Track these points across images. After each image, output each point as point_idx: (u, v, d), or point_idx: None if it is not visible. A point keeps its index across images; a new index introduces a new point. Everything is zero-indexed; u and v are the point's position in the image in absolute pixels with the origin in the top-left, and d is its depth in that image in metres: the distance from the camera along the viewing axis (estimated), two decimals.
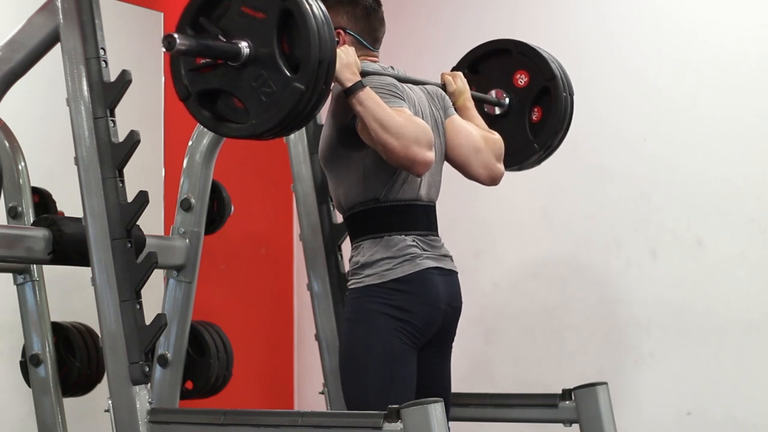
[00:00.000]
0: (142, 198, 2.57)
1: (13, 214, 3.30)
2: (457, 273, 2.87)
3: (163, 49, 2.32)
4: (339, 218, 3.44)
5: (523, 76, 3.29)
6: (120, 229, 2.58)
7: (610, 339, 4.33)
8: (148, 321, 2.56)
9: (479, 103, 3.18)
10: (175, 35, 2.29)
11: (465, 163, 2.91)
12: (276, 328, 4.99)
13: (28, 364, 3.30)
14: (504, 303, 4.53)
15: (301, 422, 2.41)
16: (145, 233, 2.84)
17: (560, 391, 3.13)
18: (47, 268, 3.28)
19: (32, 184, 3.37)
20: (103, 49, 2.64)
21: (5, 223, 3.30)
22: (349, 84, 2.61)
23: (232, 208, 3.58)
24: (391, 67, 2.88)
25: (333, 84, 2.52)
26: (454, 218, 4.72)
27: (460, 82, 3.04)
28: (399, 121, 2.60)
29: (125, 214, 2.58)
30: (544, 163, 4.53)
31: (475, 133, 2.92)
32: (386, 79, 2.75)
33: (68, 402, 3.35)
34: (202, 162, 3.35)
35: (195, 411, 2.72)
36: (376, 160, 2.71)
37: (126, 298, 2.56)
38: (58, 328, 3.35)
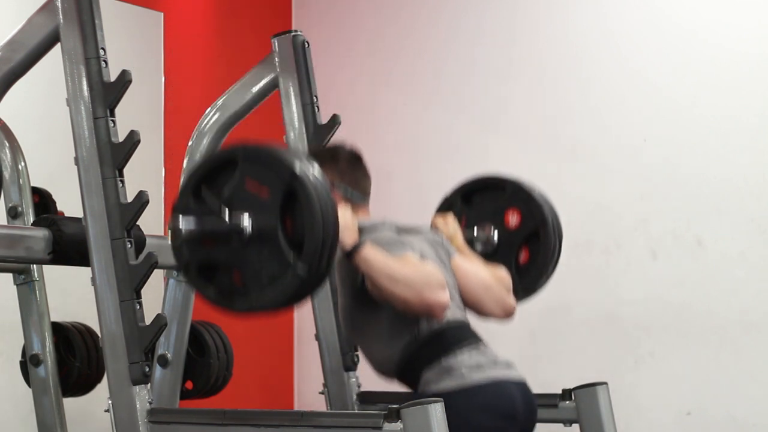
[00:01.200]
0: (142, 198, 2.57)
1: (13, 214, 3.30)
2: (526, 382, 2.79)
3: (169, 242, 2.32)
4: None
5: (514, 215, 3.29)
6: (120, 229, 2.57)
7: (610, 339, 4.33)
8: (148, 321, 2.56)
9: (469, 242, 3.20)
10: (181, 222, 2.29)
11: (478, 303, 2.91)
12: (276, 328, 4.99)
13: (28, 364, 3.29)
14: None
15: (301, 422, 2.41)
16: (145, 233, 2.84)
17: (560, 391, 3.13)
18: (47, 268, 3.28)
19: (32, 184, 3.37)
20: (103, 49, 2.64)
21: (5, 223, 3.29)
22: (350, 245, 2.61)
23: None
24: (386, 220, 2.87)
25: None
26: None
27: (452, 226, 3.07)
28: (406, 270, 2.59)
29: (125, 214, 2.57)
30: (544, 164, 4.55)
31: (482, 272, 2.93)
32: (384, 232, 2.76)
33: (68, 402, 3.34)
34: None
35: (195, 411, 2.72)
36: (396, 312, 2.68)
37: (126, 298, 2.55)
38: (58, 328, 3.35)
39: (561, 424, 3.15)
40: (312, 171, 2.33)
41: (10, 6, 3.73)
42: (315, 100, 3.38)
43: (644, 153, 4.31)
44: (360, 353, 2.99)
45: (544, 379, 4.35)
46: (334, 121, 3.37)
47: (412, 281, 2.58)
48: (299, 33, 3.40)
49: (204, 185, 2.40)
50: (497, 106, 4.73)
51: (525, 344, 4.48)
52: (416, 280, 2.58)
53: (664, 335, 4.23)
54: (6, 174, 3.28)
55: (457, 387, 2.64)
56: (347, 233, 2.61)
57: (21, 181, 3.32)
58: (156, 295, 3.38)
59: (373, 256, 2.61)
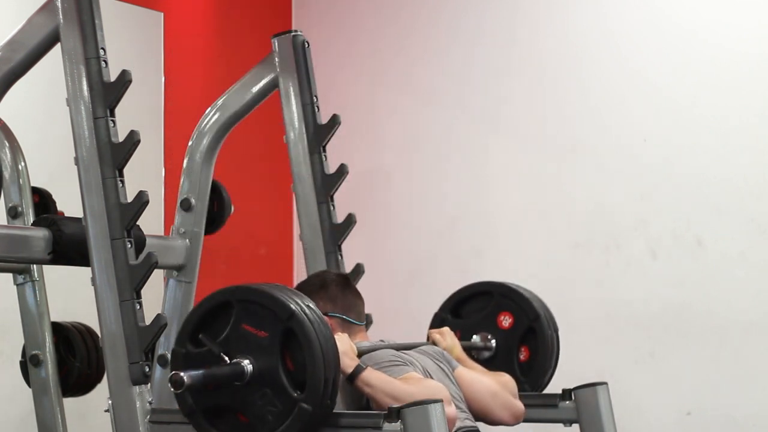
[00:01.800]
0: (142, 198, 2.57)
1: (13, 214, 3.29)
2: None
3: (171, 389, 2.31)
4: (339, 218, 3.44)
5: (507, 317, 3.32)
6: (120, 229, 2.57)
7: (610, 339, 4.33)
8: (148, 321, 2.55)
9: (468, 351, 3.21)
10: (182, 375, 2.28)
11: (486, 410, 2.93)
12: None
13: (28, 364, 3.29)
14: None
15: None
16: (145, 233, 2.84)
17: (560, 391, 3.13)
18: (47, 268, 3.28)
19: (32, 184, 3.37)
20: (103, 49, 2.64)
21: (5, 223, 3.29)
22: (350, 370, 2.61)
23: (232, 208, 3.57)
24: (382, 341, 2.89)
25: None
26: (455, 218, 4.73)
27: (449, 339, 3.09)
28: (410, 389, 2.60)
29: (125, 214, 2.57)
30: (544, 163, 4.55)
31: (486, 380, 2.96)
32: (384, 353, 2.77)
33: (68, 402, 3.34)
34: (202, 162, 3.35)
35: None
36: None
37: (126, 298, 2.55)
38: (58, 328, 3.35)
39: (561, 424, 3.15)
40: (307, 306, 2.34)
41: (10, 6, 3.73)
42: (315, 100, 3.39)
43: (644, 153, 4.31)
44: None
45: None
46: (334, 121, 3.37)
47: (417, 399, 2.58)
48: (299, 33, 3.40)
49: (201, 331, 2.39)
50: (497, 106, 4.73)
51: None
52: (421, 397, 2.58)
53: (664, 335, 4.23)
54: (6, 174, 3.28)
55: None
56: (346, 359, 2.62)
57: (21, 181, 3.32)
58: (156, 295, 3.38)
59: (374, 378, 2.62)
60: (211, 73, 4.82)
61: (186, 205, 3.33)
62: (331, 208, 3.53)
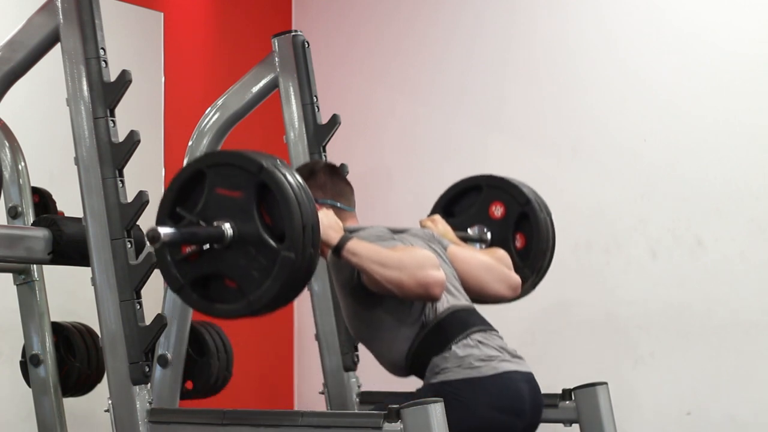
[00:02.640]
0: (142, 198, 2.57)
1: (13, 214, 3.29)
2: (533, 375, 2.79)
3: (147, 243, 2.32)
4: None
5: (498, 207, 3.31)
6: (120, 229, 2.58)
7: (610, 339, 4.33)
8: (148, 321, 2.56)
9: (464, 243, 3.20)
10: (158, 228, 2.29)
11: (482, 285, 2.91)
12: (276, 328, 4.99)
13: (28, 364, 3.29)
14: (504, 303, 4.52)
15: (301, 422, 2.41)
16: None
17: (560, 391, 3.13)
18: (47, 268, 3.28)
19: (32, 184, 3.37)
20: (103, 49, 2.64)
21: (5, 223, 3.29)
22: (335, 241, 2.61)
23: None
24: (373, 225, 2.88)
25: (328, 253, 2.56)
26: None
27: (440, 226, 3.06)
28: (396, 255, 2.60)
29: (125, 214, 2.58)
30: (543, 164, 4.55)
31: (479, 254, 2.94)
32: (373, 230, 2.77)
33: (68, 402, 3.34)
34: None
35: (195, 411, 2.72)
36: (398, 302, 2.69)
37: (126, 298, 2.56)
38: (58, 328, 3.35)
39: (561, 424, 3.15)
40: (278, 161, 2.35)
41: (10, 6, 3.73)
42: (315, 99, 3.39)
43: (644, 153, 4.31)
44: (364, 354, 2.98)
45: (544, 379, 4.36)
46: (334, 120, 3.37)
47: (404, 263, 2.58)
48: (299, 33, 3.41)
49: (178, 206, 2.41)
50: (497, 106, 4.73)
51: (525, 344, 4.47)
52: (408, 262, 2.59)
53: (664, 335, 4.23)
54: (6, 174, 3.28)
55: (466, 377, 2.64)
56: (331, 231, 2.62)
57: (21, 181, 3.32)
58: (156, 295, 3.38)
59: (361, 246, 2.61)
60: (211, 73, 4.82)
61: None
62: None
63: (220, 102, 3.42)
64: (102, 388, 2.83)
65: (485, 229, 3.32)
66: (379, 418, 2.31)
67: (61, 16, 2.67)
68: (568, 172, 4.47)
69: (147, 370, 2.56)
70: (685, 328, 4.19)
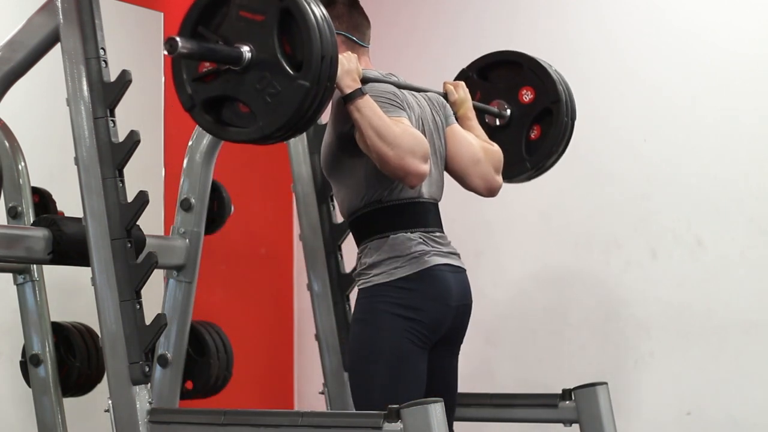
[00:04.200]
0: (142, 198, 2.57)
1: (13, 214, 3.30)
2: (465, 270, 2.85)
3: (165, 52, 2.31)
4: (339, 218, 3.44)
5: (528, 92, 3.29)
6: (120, 229, 2.58)
7: (610, 339, 4.33)
8: (148, 321, 2.56)
9: (480, 113, 3.17)
10: (177, 38, 2.28)
11: (463, 174, 2.91)
12: (276, 328, 4.99)
13: (28, 364, 3.30)
14: (504, 303, 4.53)
15: (301, 422, 2.41)
16: (145, 233, 2.84)
17: (560, 391, 3.13)
18: (47, 268, 3.28)
19: (32, 184, 3.37)
20: (103, 49, 2.65)
21: (5, 223, 3.30)
22: (348, 90, 2.60)
23: (232, 208, 3.58)
24: (392, 75, 2.85)
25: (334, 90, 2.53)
26: (455, 219, 4.70)
27: (462, 92, 3.03)
28: (395, 130, 2.59)
29: (125, 214, 2.58)
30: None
31: (474, 144, 2.92)
32: (387, 87, 2.74)
33: (68, 402, 3.35)
34: (202, 162, 3.35)
35: (195, 411, 2.72)
36: (375, 169, 2.70)
37: (126, 298, 2.56)
38: (58, 328, 3.35)
39: (561, 424, 3.15)
40: None
41: (10, 6, 3.73)
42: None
43: (644, 153, 4.31)
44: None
45: (544, 379, 4.36)
46: None
47: (398, 143, 2.59)
48: None
49: (200, 25, 2.40)
50: None
51: (525, 344, 4.48)
52: (402, 143, 2.59)
53: (664, 335, 4.23)
54: (6, 174, 3.28)
55: (396, 278, 2.69)
56: (348, 77, 2.61)
57: (21, 181, 3.33)
58: (156, 295, 3.39)
59: (367, 107, 2.60)
60: None
61: (186, 205, 3.33)
62: (331, 208, 3.54)
63: None
64: (102, 388, 2.83)
65: (506, 107, 3.30)
66: (379, 418, 2.31)
67: (61, 16, 2.67)
68: (568, 172, 4.46)
69: (147, 370, 2.56)
70: (685, 328, 4.18)
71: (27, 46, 2.79)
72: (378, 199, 2.74)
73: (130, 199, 2.59)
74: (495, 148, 2.95)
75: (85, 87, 2.62)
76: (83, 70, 2.63)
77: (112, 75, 2.64)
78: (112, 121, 2.62)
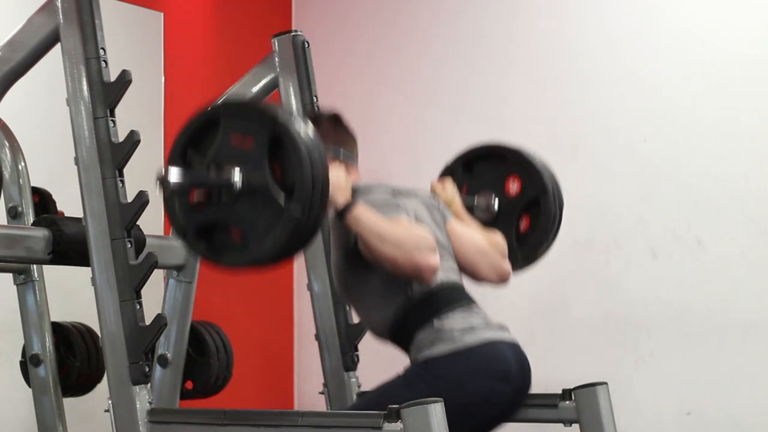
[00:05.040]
0: (142, 198, 2.57)
1: (13, 214, 3.29)
2: (519, 345, 2.78)
3: (159, 192, 2.34)
4: None
5: (515, 183, 3.29)
6: (120, 229, 2.58)
7: (610, 339, 4.33)
8: (148, 321, 2.56)
9: (469, 209, 3.19)
10: (169, 176, 2.29)
11: (473, 268, 2.91)
12: (276, 328, 4.99)
13: (28, 364, 3.29)
14: (504, 303, 4.53)
15: (301, 422, 2.41)
16: (145, 233, 2.84)
17: (560, 391, 3.13)
18: (47, 268, 3.28)
19: (32, 184, 3.37)
20: (103, 49, 2.64)
21: (5, 223, 3.29)
22: (341, 204, 2.60)
23: None
24: (382, 182, 2.87)
25: (330, 211, 2.55)
26: None
27: (450, 190, 3.06)
28: (397, 231, 2.59)
29: (125, 214, 2.58)
30: None
31: (477, 237, 2.93)
32: (378, 194, 2.75)
33: (68, 402, 3.34)
34: None
35: (195, 411, 2.72)
36: (389, 273, 2.68)
37: (126, 298, 2.55)
38: (58, 328, 3.35)
39: (561, 424, 3.15)
40: (293, 117, 2.35)
41: (10, 6, 3.73)
42: (315, 100, 3.39)
43: (644, 153, 4.31)
44: (364, 353, 2.98)
45: (544, 379, 4.36)
46: None
47: (403, 242, 2.57)
48: (299, 33, 3.41)
49: (190, 149, 2.40)
50: (497, 107, 4.73)
51: (525, 344, 4.46)
52: (407, 241, 2.58)
53: (664, 335, 4.23)
54: (6, 174, 3.28)
55: (449, 351, 2.64)
56: (339, 192, 2.61)
57: (21, 181, 3.32)
58: (156, 295, 3.38)
59: (364, 216, 2.60)
60: (211, 73, 4.82)
61: None
62: None
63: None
64: (102, 388, 2.83)
65: (494, 197, 3.31)
66: (379, 418, 2.31)
67: (61, 16, 2.67)
68: (568, 172, 4.46)
69: (147, 370, 2.56)
70: (685, 328, 4.19)
71: (27, 46, 2.79)
72: (404, 300, 2.71)
73: (130, 199, 2.59)
74: (497, 235, 2.98)
75: (85, 87, 2.62)
76: (83, 70, 2.62)
77: (112, 75, 2.64)
78: (112, 121, 2.62)
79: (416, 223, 2.72)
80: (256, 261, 2.35)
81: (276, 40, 3.41)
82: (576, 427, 3.11)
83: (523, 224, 3.28)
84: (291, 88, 3.38)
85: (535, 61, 4.64)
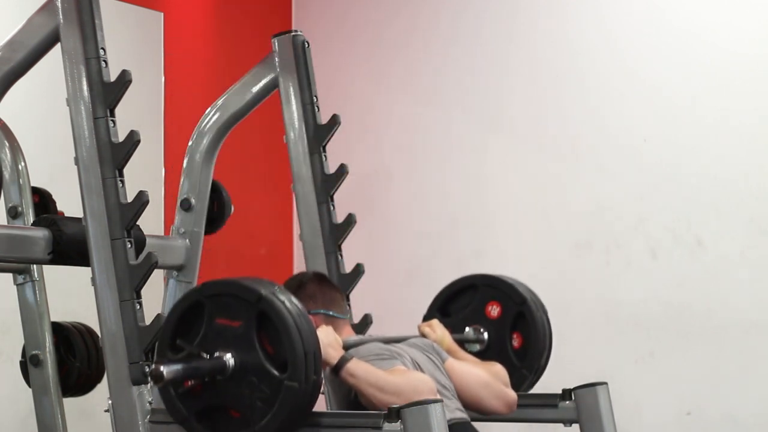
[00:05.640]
0: (142, 198, 2.57)
1: (13, 214, 3.29)
2: None
3: (151, 382, 2.35)
4: (339, 218, 3.44)
5: (494, 306, 3.32)
6: (120, 229, 2.58)
7: (610, 339, 4.33)
8: (148, 321, 2.56)
9: (460, 344, 3.20)
10: (161, 367, 2.29)
11: (478, 401, 2.93)
12: None
13: (28, 364, 3.29)
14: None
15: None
16: (145, 233, 2.84)
17: (560, 391, 3.13)
18: (47, 268, 3.28)
19: (32, 184, 3.37)
20: (103, 49, 2.64)
21: (5, 223, 3.29)
22: (335, 361, 2.61)
23: (232, 208, 3.57)
24: (371, 336, 2.89)
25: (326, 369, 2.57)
26: (455, 219, 4.72)
27: (439, 330, 3.08)
28: (394, 379, 2.60)
29: (125, 214, 2.57)
30: (544, 163, 4.55)
31: (477, 371, 2.96)
32: (371, 346, 2.76)
33: (68, 402, 3.34)
34: (202, 162, 3.35)
35: None
36: None
37: (126, 298, 2.55)
38: (58, 328, 3.34)
39: (561, 424, 3.15)
40: (276, 288, 2.36)
41: (10, 6, 3.73)
42: (315, 100, 3.39)
43: (644, 153, 4.31)
44: None
45: (544, 379, 4.36)
46: (334, 121, 3.37)
47: (402, 389, 2.58)
48: (299, 33, 3.41)
49: (178, 337, 2.40)
50: (497, 106, 4.73)
51: None
52: (405, 388, 2.58)
53: (664, 335, 4.23)
54: (6, 174, 3.28)
55: None
56: (331, 350, 2.62)
57: (21, 181, 3.32)
58: (156, 295, 3.38)
59: (360, 369, 2.61)
60: (211, 73, 4.81)
61: (186, 205, 3.33)
62: (331, 208, 3.53)
63: (220, 102, 3.42)
64: (102, 388, 2.83)
65: (482, 330, 3.33)
66: (379, 418, 2.31)
67: (61, 16, 2.67)
68: (568, 172, 4.46)
69: (147, 370, 2.56)
70: (685, 328, 4.19)
71: (27, 46, 2.79)
72: None
73: (130, 199, 2.59)
74: (497, 366, 3.01)
75: (85, 87, 2.62)
76: (83, 70, 2.62)
77: (112, 75, 2.64)
78: (112, 121, 2.62)
79: (414, 368, 2.74)
80: None
81: (276, 40, 3.41)
82: (576, 427, 3.10)
83: (517, 342, 3.31)
84: (291, 88, 3.38)
85: (535, 61, 4.64)
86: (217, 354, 2.35)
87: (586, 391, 3.07)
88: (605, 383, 3.09)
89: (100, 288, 2.59)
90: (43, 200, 3.46)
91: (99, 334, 2.63)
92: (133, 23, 4.39)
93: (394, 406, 2.43)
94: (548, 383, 3.24)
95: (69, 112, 2.64)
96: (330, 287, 2.97)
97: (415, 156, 4.92)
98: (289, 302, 2.35)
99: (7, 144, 3.31)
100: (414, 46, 4.94)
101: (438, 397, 2.63)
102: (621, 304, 4.32)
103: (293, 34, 3.40)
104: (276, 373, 2.31)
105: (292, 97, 3.39)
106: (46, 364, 3.28)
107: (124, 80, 2.60)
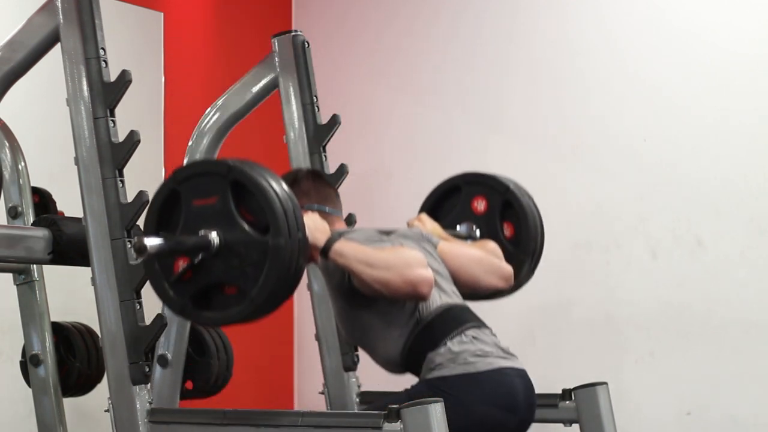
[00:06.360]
0: (142, 198, 2.57)
1: (13, 214, 3.29)
2: (527, 374, 2.78)
3: (135, 257, 2.35)
4: None
5: (480, 201, 3.31)
6: (120, 229, 2.58)
7: (610, 339, 4.33)
8: (148, 321, 2.56)
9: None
10: (144, 239, 2.30)
11: (474, 278, 2.91)
12: (276, 328, 4.99)
13: (28, 364, 3.29)
14: (504, 303, 4.52)
15: (301, 422, 2.41)
16: None
17: (560, 391, 3.13)
18: (47, 268, 3.28)
19: (32, 184, 3.37)
20: (103, 49, 2.64)
21: (5, 223, 3.29)
22: (322, 242, 2.62)
23: None
24: (362, 227, 2.89)
25: (319, 258, 2.57)
26: None
27: (428, 224, 3.07)
28: (383, 254, 2.61)
29: (125, 214, 2.58)
30: (543, 163, 4.55)
31: (469, 249, 2.95)
32: (361, 232, 2.77)
33: (68, 402, 3.34)
34: None
35: (195, 411, 2.72)
36: (390, 304, 2.69)
37: (126, 298, 2.56)
38: (58, 328, 3.35)
39: (561, 424, 3.15)
40: (244, 160, 2.37)
41: (10, 6, 3.73)
42: (315, 100, 3.39)
43: (644, 153, 4.31)
44: (364, 354, 2.99)
45: (544, 379, 4.36)
46: (334, 121, 3.37)
47: (392, 263, 2.59)
48: (299, 33, 3.41)
49: (161, 229, 2.41)
50: (497, 106, 4.73)
51: (525, 344, 4.48)
52: (395, 261, 2.59)
53: (664, 335, 4.23)
54: (6, 174, 3.28)
55: (460, 373, 2.64)
56: (318, 233, 2.63)
57: (21, 181, 3.32)
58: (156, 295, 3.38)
59: (348, 247, 2.61)
60: (211, 73, 4.82)
61: None
62: None
63: (220, 102, 3.43)
64: (102, 388, 2.83)
65: (473, 226, 3.32)
66: (379, 418, 2.31)
67: (61, 16, 2.67)
68: (568, 172, 4.46)
69: (147, 370, 2.56)
70: (685, 328, 4.19)
71: (27, 46, 2.79)
72: (412, 327, 2.71)
73: (130, 199, 2.59)
74: (489, 243, 3.00)
75: (85, 87, 2.62)
76: (83, 70, 2.62)
77: (112, 75, 2.64)
78: (112, 121, 2.62)
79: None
80: (258, 306, 2.34)
81: (276, 40, 3.42)
82: (576, 427, 3.11)
83: (508, 231, 3.30)
84: (291, 88, 3.38)
85: (535, 61, 4.64)
86: (201, 233, 2.35)
87: (586, 391, 3.07)
88: (605, 383, 3.09)
89: (100, 288, 2.59)
90: (43, 200, 3.46)
91: (99, 334, 2.63)
92: (133, 23, 4.39)
93: (385, 278, 2.48)
94: (548, 383, 3.24)
95: (69, 112, 2.64)
96: (324, 184, 2.95)
97: (415, 156, 4.92)
98: (259, 168, 2.36)
99: (7, 144, 3.31)
100: (414, 46, 4.94)
101: (429, 269, 2.62)
102: (621, 304, 4.32)
103: (293, 34, 3.41)
104: (260, 236, 2.31)
105: (292, 97, 3.39)
106: (46, 364, 3.28)
107: (124, 80, 2.60)
